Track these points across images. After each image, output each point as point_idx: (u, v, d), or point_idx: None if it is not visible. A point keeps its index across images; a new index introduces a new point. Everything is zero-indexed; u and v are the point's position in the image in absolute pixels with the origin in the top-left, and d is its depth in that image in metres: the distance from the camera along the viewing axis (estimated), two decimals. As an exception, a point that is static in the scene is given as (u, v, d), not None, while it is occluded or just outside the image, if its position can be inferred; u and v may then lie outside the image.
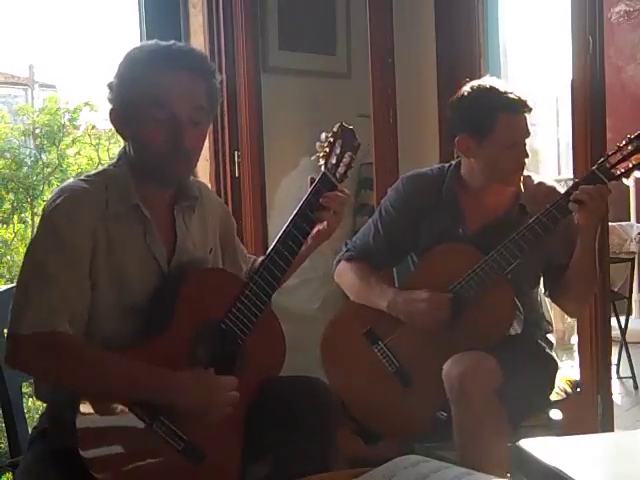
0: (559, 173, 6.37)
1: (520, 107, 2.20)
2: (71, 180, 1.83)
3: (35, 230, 1.75)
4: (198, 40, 3.11)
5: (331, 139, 1.91)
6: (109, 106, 1.79)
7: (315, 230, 1.91)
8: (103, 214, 1.72)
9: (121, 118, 1.78)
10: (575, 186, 2.12)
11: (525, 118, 2.21)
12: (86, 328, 1.72)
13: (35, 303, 1.62)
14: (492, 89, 2.22)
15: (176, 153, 1.73)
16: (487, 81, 2.27)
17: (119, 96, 1.76)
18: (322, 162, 1.89)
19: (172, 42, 1.80)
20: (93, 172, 1.85)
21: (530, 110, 2.21)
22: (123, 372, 1.65)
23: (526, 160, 2.24)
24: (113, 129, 1.80)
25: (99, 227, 1.71)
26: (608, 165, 2.09)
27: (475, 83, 2.28)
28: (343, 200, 1.88)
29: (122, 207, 1.75)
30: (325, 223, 1.91)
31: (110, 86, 1.78)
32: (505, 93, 2.19)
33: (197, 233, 1.88)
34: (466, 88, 2.27)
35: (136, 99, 1.73)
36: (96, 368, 1.64)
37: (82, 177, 1.81)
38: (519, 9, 5.16)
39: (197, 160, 1.83)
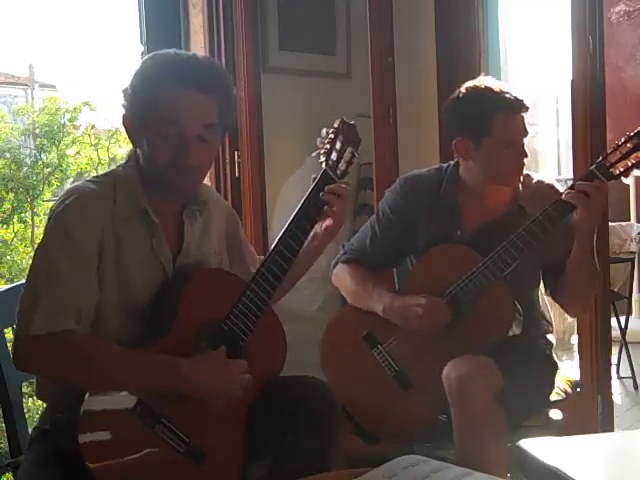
0: (559, 173, 6.37)
1: (517, 107, 2.18)
2: (80, 181, 1.84)
3: (43, 230, 1.75)
4: (198, 40, 3.11)
5: (332, 135, 1.90)
6: (122, 110, 1.79)
7: (323, 227, 1.90)
8: (111, 215, 1.73)
9: (132, 126, 1.78)
10: (574, 186, 2.10)
11: (522, 117, 2.19)
12: (90, 328, 1.71)
13: (46, 303, 1.62)
14: (488, 89, 2.20)
15: (180, 169, 1.73)
16: (482, 81, 2.25)
17: (131, 106, 1.76)
18: (323, 159, 1.88)
19: (191, 54, 1.80)
20: (101, 173, 1.86)
21: (527, 109, 2.19)
22: (132, 365, 1.65)
23: (525, 160, 2.23)
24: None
25: (107, 228, 1.72)
26: (607, 164, 2.07)
27: (470, 84, 2.26)
28: (343, 192, 1.86)
29: (130, 210, 1.76)
30: (329, 220, 1.89)
31: (124, 93, 1.77)
32: (501, 93, 2.18)
33: (200, 237, 1.88)
34: (461, 89, 2.26)
35: (147, 113, 1.73)
36: (105, 363, 1.64)
37: (90, 178, 1.82)
38: (519, 9, 5.16)
39: (204, 175, 1.84)
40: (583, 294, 2.29)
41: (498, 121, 2.17)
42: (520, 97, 2.19)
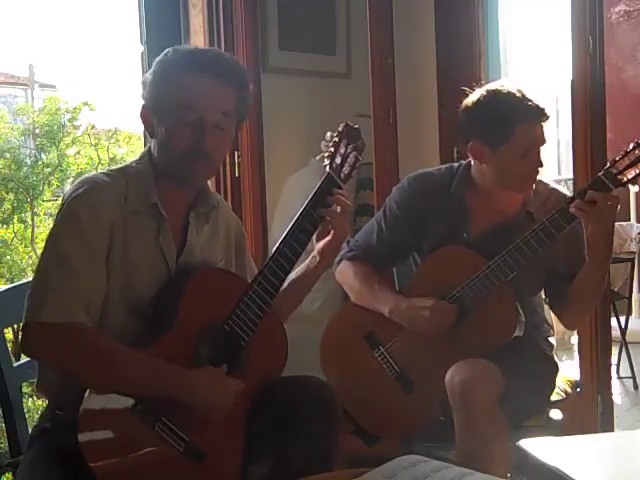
0: (559, 173, 6.37)
1: (538, 116, 2.15)
2: (93, 172, 1.85)
3: (54, 219, 1.76)
4: (198, 40, 3.11)
5: (336, 138, 1.91)
6: (141, 102, 1.82)
7: (323, 244, 1.91)
8: (122, 209, 1.74)
9: (151, 116, 1.80)
10: (581, 193, 2.05)
11: (542, 126, 2.17)
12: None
13: (55, 293, 1.63)
14: (510, 95, 2.14)
15: (197, 154, 1.75)
16: (504, 86, 2.19)
17: (151, 94, 1.79)
18: (327, 162, 1.90)
19: (209, 48, 1.83)
20: (115, 167, 1.88)
21: (547, 118, 2.16)
22: (139, 367, 1.66)
23: (540, 169, 2.19)
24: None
25: (117, 221, 1.73)
26: (615, 171, 2.01)
27: (491, 87, 2.20)
28: (343, 204, 1.87)
29: (141, 205, 1.76)
30: (329, 238, 1.90)
31: (144, 83, 1.80)
32: (523, 100, 2.13)
33: (206, 241, 1.89)
34: (482, 92, 2.20)
35: (166, 100, 1.76)
36: (112, 361, 1.65)
37: (104, 171, 1.84)
38: (519, 9, 5.16)
39: (217, 166, 1.88)
40: (584, 309, 2.28)
41: (518, 130, 2.13)
42: (542, 105, 2.15)
